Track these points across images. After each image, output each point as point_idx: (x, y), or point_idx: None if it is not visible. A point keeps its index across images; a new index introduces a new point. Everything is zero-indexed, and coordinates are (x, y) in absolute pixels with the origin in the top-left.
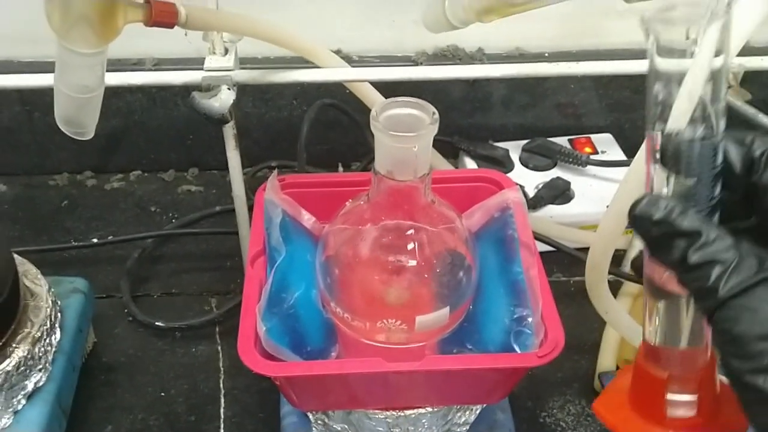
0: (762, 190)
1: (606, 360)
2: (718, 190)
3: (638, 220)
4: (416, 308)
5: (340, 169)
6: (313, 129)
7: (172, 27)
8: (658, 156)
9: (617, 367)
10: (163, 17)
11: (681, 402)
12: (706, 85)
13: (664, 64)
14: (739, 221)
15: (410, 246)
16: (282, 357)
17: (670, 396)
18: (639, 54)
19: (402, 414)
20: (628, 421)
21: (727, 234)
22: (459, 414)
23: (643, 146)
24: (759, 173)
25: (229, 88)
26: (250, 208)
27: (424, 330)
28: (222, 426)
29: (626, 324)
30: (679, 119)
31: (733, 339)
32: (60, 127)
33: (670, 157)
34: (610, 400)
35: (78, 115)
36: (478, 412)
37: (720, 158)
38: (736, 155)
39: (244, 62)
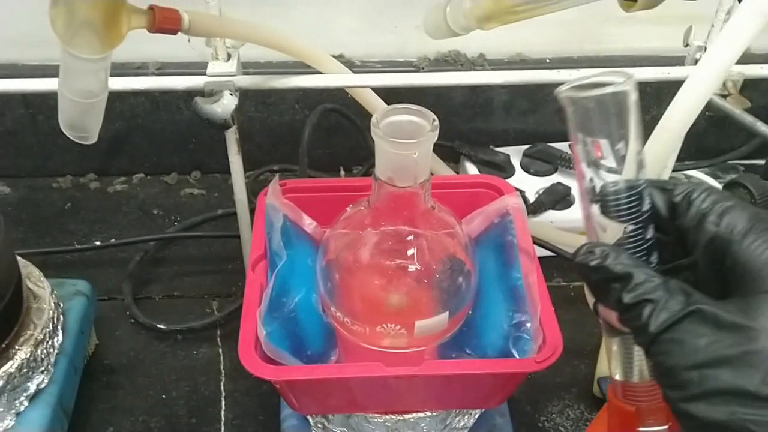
0: (685, 232)
1: (605, 365)
2: (651, 233)
3: (579, 268)
4: (416, 313)
5: (342, 173)
6: (314, 133)
7: (175, 33)
8: (596, 206)
9: None
10: (166, 24)
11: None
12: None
13: (583, 130)
14: (680, 260)
15: (410, 251)
16: (282, 361)
17: (642, 429)
18: (640, 60)
19: (401, 418)
20: None
21: (657, 275)
22: (458, 418)
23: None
24: (681, 217)
25: (231, 94)
26: (252, 212)
27: (423, 335)
28: (222, 428)
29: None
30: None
31: (666, 371)
32: (64, 132)
33: (602, 206)
34: None
35: (82, 120)
36: (477, 416)
37: (647, 204)
38: (660, 201)
39: (246, 66)
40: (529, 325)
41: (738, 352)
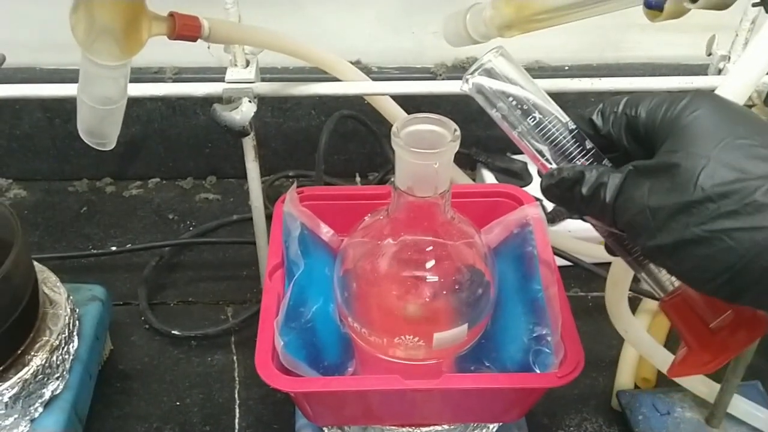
0: (609, 135)
1: (624, 378)
2: (588, 144)
3: (546, 192)
4: (434, 325)
5: (358, 179)
6: (331, 139)
7: (195, 41)
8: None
9: (635, 386)
10: (186, 31)
11: (721, 320)
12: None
13: (492, 104)
14: None
15: (429, 262)
16: (299, 371)
17: (713, 324)
18: (661, 68)
19: (418, 430)
20: (700, 360)
21: (603, 166)
22: (476, 431)
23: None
24: (601, 126)
25: (250, 101)
26: (268, 217)
27: (442, 347)
28: None
29: (646, 343)
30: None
31: (629, 225)
32: (82, 138)
33: (551, 149)
34: (686, 363)
35: (100, 127)
36: (494, 429)
37: (572, 124)
38: (582, 124)
39: (263, 72)
40: (550, 338)
41: (671, 179)
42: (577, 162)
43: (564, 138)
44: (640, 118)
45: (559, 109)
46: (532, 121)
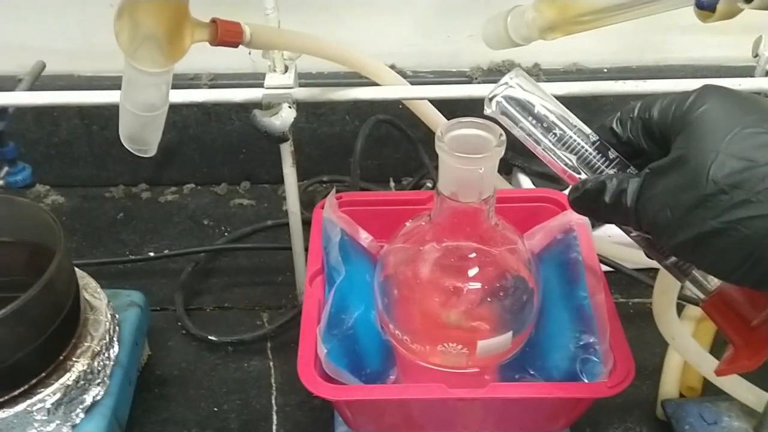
0: (629, 141)
1: (669, 386)
2: (612, 154)
3: (574, 204)
4: (478, 332)
5: (392, 184)
6: (365, 144)
7: (236, 46)
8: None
9: (680, 395)
10: (228, 37)
11: (762, 317)
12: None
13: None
14: None
15: (472, 269)
16: (341, 379)
17: (755, 321)
18: (702, 70)
19: None
20: (742, 356)
21: (624, 173)
22: None
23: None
24: (620, 133)
25: (289, 106)
26: (303, 222)
27: (485, 355)
28: None
29: (694, 350)
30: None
31: (652, 226)
32: (124, 145)
33: (579, 162)
34: (732, 361)
35: (142, 133)
36: None
37: (593, 137)
38: (603, 133)
39: (298, 77)
40: (597, 347)
41: (684, 175)
42: (603, 172)
43: (587, 150)
44: (653, 119)
45: (581, 123)
46: (554, 137)
